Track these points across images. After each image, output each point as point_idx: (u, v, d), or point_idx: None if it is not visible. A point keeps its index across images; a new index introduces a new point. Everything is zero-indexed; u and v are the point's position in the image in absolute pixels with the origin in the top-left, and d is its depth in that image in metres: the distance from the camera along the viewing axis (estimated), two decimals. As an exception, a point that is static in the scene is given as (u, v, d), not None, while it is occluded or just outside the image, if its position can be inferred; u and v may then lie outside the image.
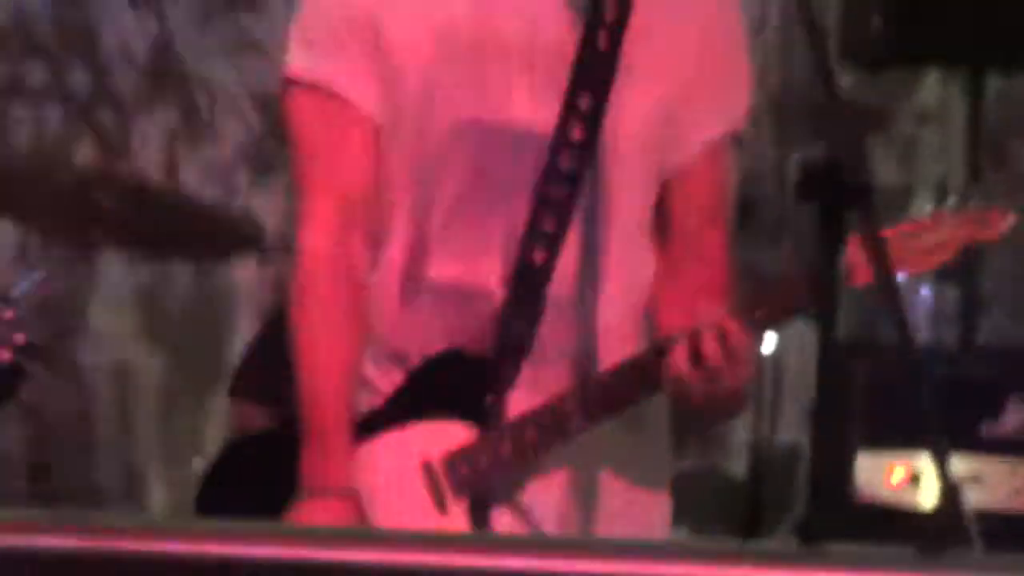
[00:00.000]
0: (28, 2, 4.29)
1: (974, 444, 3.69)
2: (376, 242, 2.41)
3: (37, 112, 4.22)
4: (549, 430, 2.31)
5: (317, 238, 2.37)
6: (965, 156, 4.48)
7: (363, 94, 2.33)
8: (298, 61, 2.33)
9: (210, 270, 4.17)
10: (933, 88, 4.75)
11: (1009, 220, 2.25)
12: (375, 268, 2.39)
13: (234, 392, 3.29)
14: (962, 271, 4.06)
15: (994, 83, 4.37)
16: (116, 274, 4.15)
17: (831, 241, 1.83)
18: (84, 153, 4.12)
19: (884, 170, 4.55)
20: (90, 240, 3.68)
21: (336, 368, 2.38)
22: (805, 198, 2.05)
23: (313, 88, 2.34)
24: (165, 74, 4.24)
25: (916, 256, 2.28)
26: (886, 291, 1.90)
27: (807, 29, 1.94)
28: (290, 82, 2.36)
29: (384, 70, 2.35)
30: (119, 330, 4.20)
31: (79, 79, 4.22)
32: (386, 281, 2.35)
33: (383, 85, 2.36)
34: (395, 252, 2.37)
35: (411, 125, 2.34)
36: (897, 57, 4.41)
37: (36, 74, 4.24)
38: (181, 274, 4.14)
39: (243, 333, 3.79)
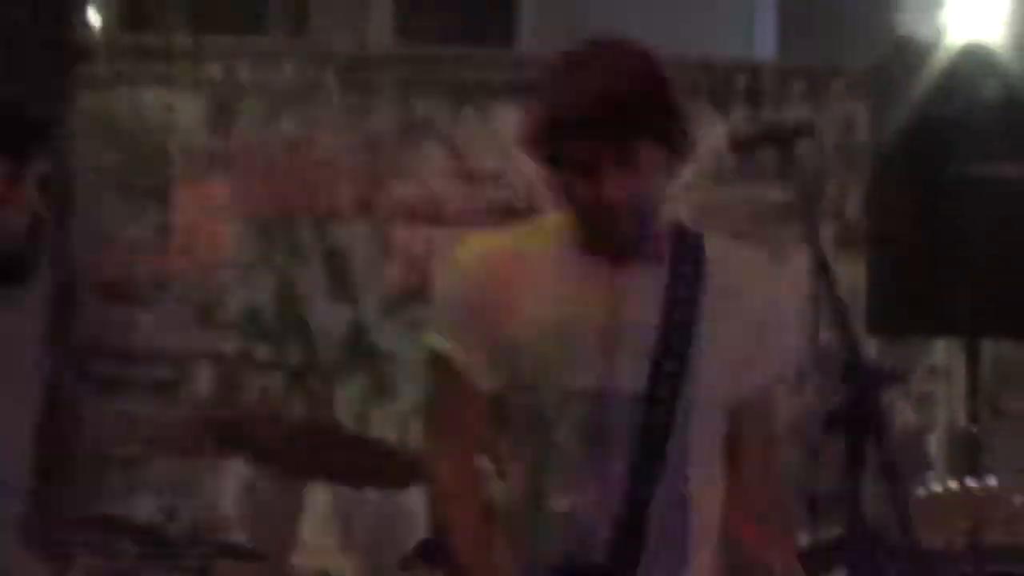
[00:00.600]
0: (256, 299, 4.77)
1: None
2: (491, 472, 2.57)
3: (263, 378, 4.72)
4: None
5: (444, 464, 2.52)
6: (967, 405, 4.40)
7: (474, 372, 2.47)
8: (434, 335, 2.52)
9: (393, 495, 4.42)
10: (941, 351, 4.92)
11: None
12: (506, 498, 2.54)
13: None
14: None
15: (989, 348, 4.49)
16: (321, 500, 4.50)
17: (854, 465, 2.16)
18: (297, 409, 4.59)
19: (903, 415, 4.79)
20: (302, 474, 4.01)
21: (475, 544, 2.55)
22: (831, 434, 2.24)
23: (441, 358, 2.48)
24: (358, 349, 4.67)
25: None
26: (900, 512, 2.15)
27: (835, 309, 2.27)
28: (429, 349, 2.54)
29: (497, 352, 2.47)
30: (323, 541, 4.53)
31: (294, 353, 4.69)
32: (516, 510, 2.51)
33: (495, 364, 2.48)
34: (519, 488, 2.51)
35: (528, 391, 2.46)
36: (912, 328, 4.59)
37: (262, 350, 4.72)
38: (371, 498, 4.42)
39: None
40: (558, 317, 2.43)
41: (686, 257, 2.49)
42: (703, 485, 2.47)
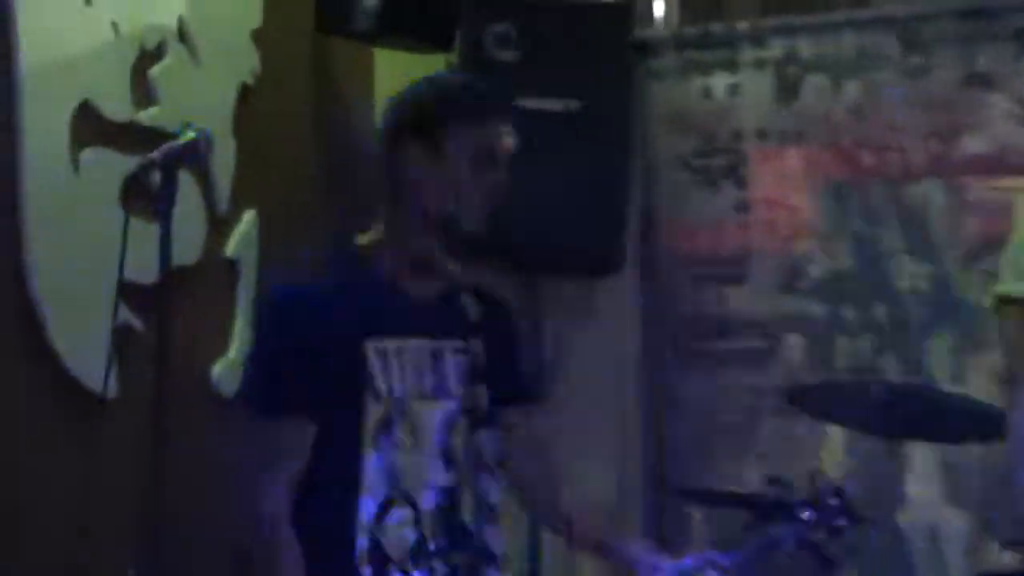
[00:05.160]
0: (837, 264, 4.86)
1: None
2: None
3: (853, 342, 4.81)
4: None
5: None
6: None
7: None
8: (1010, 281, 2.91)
9: (995, 448, 4.09)
10: None
11: None
12: None
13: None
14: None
15: None
16: (921, 454, 4.55)
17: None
18: (889, 369, 4.64)
19: None
20: (900, 435, 4.05)
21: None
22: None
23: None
24: (943, 305, 4.72)
25: None
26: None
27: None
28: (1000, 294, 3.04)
29: None
30: (928, 497, 4.62)
31: (880, 314, 4.78)
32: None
33: None
34: None
35: None
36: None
37: (850, 313, 4.83)
38: (975, 450, 4.41)
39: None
40: None
41: None
42: None
